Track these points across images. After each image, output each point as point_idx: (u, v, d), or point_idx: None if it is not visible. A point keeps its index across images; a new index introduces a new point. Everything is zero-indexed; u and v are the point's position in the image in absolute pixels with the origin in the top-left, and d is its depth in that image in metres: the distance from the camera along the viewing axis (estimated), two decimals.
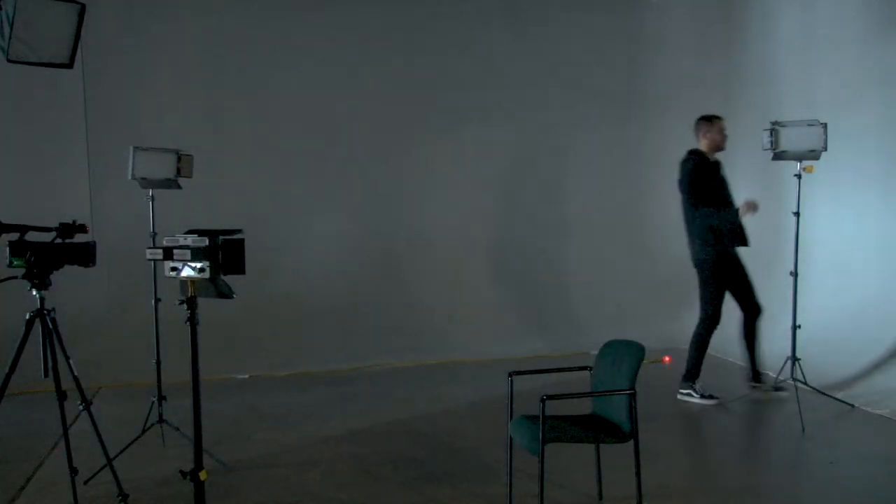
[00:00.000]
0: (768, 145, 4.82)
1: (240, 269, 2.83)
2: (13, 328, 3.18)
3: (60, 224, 3.12)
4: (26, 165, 6.25)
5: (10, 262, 3.10)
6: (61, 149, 6.35)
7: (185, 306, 2.85)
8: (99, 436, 3.19)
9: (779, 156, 4.85)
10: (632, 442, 3.26)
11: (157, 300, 4.26)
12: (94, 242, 3.19)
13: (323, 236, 6.97)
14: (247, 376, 6.27)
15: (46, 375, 3.14)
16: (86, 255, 3.14)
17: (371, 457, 4.31)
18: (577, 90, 7.39)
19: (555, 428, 3.27)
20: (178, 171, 4.25)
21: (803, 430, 4.66)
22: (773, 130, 4.79)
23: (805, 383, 5.20)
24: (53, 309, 3.17)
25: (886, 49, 5.91)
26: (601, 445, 3.56)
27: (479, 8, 7.26)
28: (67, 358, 3.17)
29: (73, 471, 3.35)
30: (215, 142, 6.42)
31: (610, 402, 3.41)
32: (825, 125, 4.71)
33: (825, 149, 4.72)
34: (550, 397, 3.13)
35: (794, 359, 5.15)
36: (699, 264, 5.33)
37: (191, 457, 2.90)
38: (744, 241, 5.19)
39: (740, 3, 7.48)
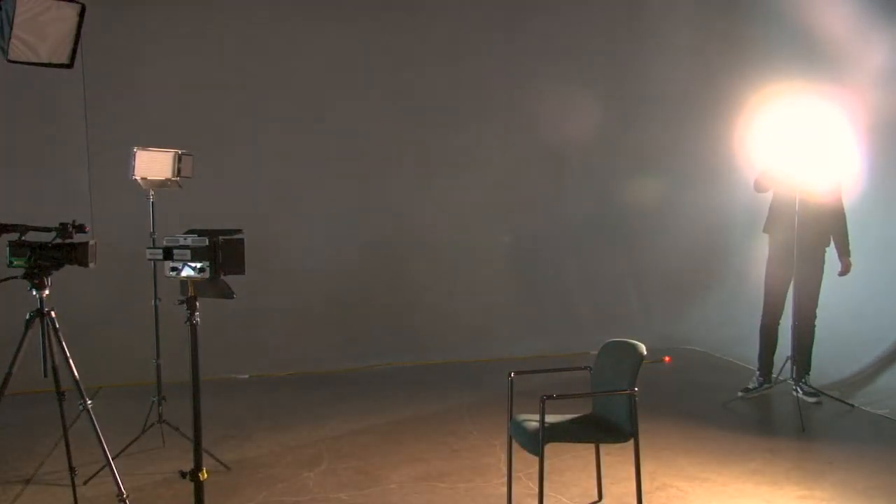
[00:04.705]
0: None
1: (240, 269, 2.83)
2: (13, 328, 3.18)
3: (60, 224, 3.11)
4: (26, 165, 6.24)
5: (10, 262, 3.10)
6: (61, 149, 6.35)
7: (185, 306, 2.85)
8: (99, 436, 3.19)
9: None
10: (632, 442, 3.25)
11: (157, 300, 4.26)
12: (95, 242, 3.18)
13: (323, 236, 6.97)
14: (247, 376, 6.26)
15: (46, 375, 3.14)
16: (86, 255, 3.14)
17: (371, 457, 4.31)
18: (577, 91, 7.37)
19: (555, 428, 3.27)
20: (178, 171, 4.24)
21: (803, 429, 4.66)
22: None
23: (806, 383, 5.21)
24: (53, 309, 3.17)
25: (885, 47, 5.92)
26: (601, 445, 3.56)
27: (480, 8, 7.25)
28: (67, 358, 3.17)
29: (73, 471, 3.36)
30: (215, 142, 6.42)
31: (610, 402, 3.41)
32: None
33: None
34: (550, 397, 3.13)
35: (794, 358, 5.16)
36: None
37: (191, 457, 2.90)
38: None
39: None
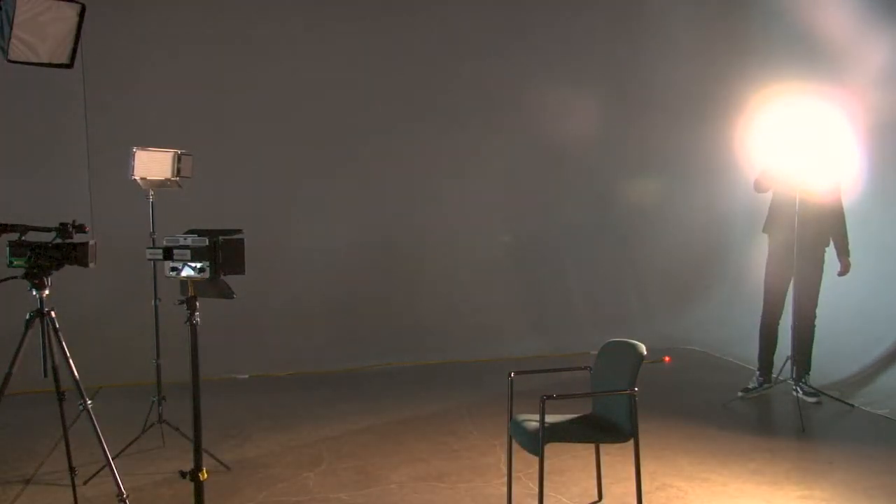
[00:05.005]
0: None
1: (240, 269, 2.83)
2: (13, 328, 3.17)
3: (60, 224, 3.12)
4: (26, 165, 6.24)
5: (10, 262, 3.10)
6: (61, 149, 6.35)
7: (185, 306, 2.85)
8: (99, 436, 3.19)
9: None
10: (632, 442, 3.26)
11: (157, 300, 4.26)
12: (95, 242, 3.19)
13: (323, 236, 6.97)
14: (247, 376, 6.27)
15: (46, 375, 3.14)
16: (86, 255, 3.14)
17: (371, 457, 4.32)
18: (578, 91, 7.38)
19: (555, 428, 3.27)
20: (178, 171, 4.24)
21: (803, 429, 4.66)
22: None
23: (806, 383, 5.21)
24: (53, 308, 3.17)
25: (885, 47, 5.91)
26: (601, 445, 3.56)
27: (481, 8, 7.25)
28: (67, 358, 3.17)
29: (73, 471, 3.35)
30: (215, 142, 6.42)
31: (610, 402, 3.41)
32: None
33: None
34: (550, 397, 3.13)
35: (794, 358, 5.16)
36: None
37: (191, 457, 2.90)
38: None
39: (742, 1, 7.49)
